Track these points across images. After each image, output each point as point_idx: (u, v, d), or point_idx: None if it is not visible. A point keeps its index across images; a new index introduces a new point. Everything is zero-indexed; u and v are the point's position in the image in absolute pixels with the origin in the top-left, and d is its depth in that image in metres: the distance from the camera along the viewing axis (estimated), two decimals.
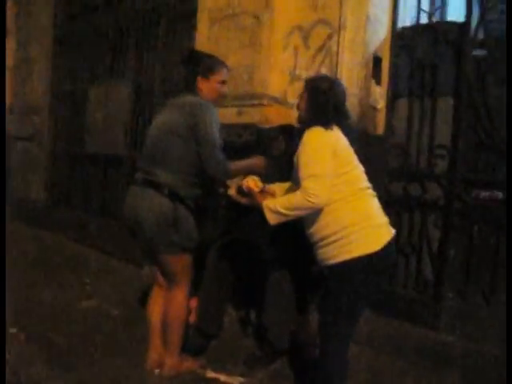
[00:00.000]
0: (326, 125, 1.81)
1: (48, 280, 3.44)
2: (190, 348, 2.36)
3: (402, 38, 2.81)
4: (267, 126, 2.42)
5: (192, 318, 2.45)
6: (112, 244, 4.16)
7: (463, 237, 2.55)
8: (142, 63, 4.18)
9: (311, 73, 2.80)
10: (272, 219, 1.84)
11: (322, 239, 1.80)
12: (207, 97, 2.16)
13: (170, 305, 2.18)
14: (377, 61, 2.84)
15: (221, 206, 2.80)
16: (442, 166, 2.65)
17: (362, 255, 1.72)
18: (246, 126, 2.96)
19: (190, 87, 2.18)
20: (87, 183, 4.78)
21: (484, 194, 2.48)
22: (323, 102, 1.87)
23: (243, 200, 2.01)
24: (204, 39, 3.32)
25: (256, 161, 2.27)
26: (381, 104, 2.85)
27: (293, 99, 2.88)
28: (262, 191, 1.98)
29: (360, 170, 1.87)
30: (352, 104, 2.52)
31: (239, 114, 3.02)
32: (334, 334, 1.82)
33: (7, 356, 2.07)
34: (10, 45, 5.90)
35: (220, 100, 2.29)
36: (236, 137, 2.92)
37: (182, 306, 2.18)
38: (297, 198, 1.76)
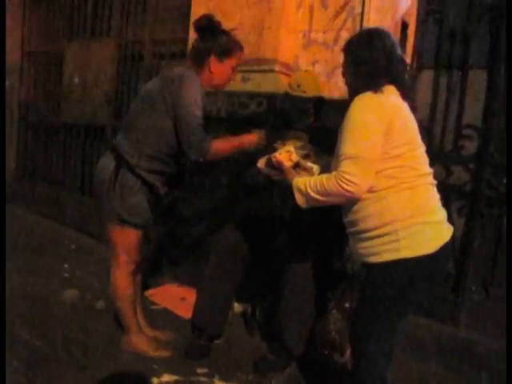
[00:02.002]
0: (375, 86, 1.44)
1: (19, 264, 3.03)
2: (189, 351, 2.08)
3: (429, 2, 2.53)
4: (296, 94, 2.08)
5: (187, 314, 2.12)
6: (93, 223, 3.78)
7: (490, 226, 2.37)
8: (129, 20, 3.68)
9: (329, 36, 2.49)
10: (301, 201, 1.55)
11: (364, 231, 1.49)
12: (216, 81, 1.97)
13: (111, 281, 2.06)
14: (402, 27, 2.57)
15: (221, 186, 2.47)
16: (469, 148, 2.43)
17: (412, 257, 1.41)
18: (253, 95, 2.63)
19: (197, 63, 1.94)
20: (63, 155, 4.32)
21: None
22: (367, 59, 1.49)
23: (273, 174, 1.70)
24: None
25: (251, 137, 1.96)
26: None
27: (306, 66, 2.58)
28: (298, 166, 1.66)
29: (422, 150, 1.51)
30: None
31: (244, 80, 2.68)
32: (370, 342, 1.53)
33: None
34: None
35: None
36: (240, 107, 2.57)
37: (118, 283, 2.03)
38: (329, 183, 1.43)
